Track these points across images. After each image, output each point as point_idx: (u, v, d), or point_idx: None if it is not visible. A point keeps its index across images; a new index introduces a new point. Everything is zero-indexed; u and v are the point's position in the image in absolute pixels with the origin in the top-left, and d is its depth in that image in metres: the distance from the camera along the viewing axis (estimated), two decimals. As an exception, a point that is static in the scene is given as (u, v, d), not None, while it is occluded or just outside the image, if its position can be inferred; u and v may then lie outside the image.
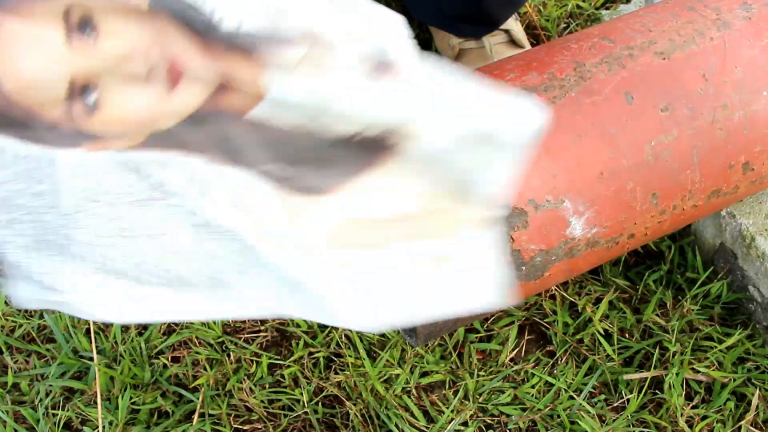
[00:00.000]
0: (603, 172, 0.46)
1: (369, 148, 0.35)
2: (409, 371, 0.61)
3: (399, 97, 0.34)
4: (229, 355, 0.64)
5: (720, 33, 0.49)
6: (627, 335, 0.63)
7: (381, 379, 0.61)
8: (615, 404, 0.59)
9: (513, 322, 0.63)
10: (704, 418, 0.58)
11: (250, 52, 0.34)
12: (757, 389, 0.58)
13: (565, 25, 0.87)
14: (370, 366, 0.61)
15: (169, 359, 0.65)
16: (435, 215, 0.37)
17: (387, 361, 0.61)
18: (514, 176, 0.36)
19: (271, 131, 0.35)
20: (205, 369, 0.64)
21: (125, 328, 0.67)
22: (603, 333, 0.62)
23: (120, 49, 0.35)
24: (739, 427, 0.57)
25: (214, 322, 0.66)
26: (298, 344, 0.64)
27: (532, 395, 0.60)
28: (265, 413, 0.61)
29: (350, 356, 0.62)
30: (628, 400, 0.59)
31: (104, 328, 0.67)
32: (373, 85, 0.34)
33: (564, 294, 0.64)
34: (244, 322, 0.67)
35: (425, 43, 0.83)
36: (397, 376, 0.61)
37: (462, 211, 0.37)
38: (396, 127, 0.35)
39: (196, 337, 0.65)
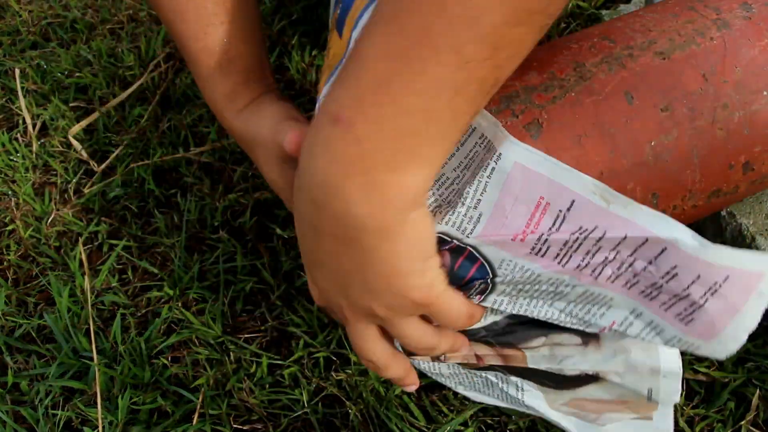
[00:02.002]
0: (603, 172, 0.46)
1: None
2: (409, 371, 0.61)
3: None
4: (229, 355, 0.64)
5: (720, 33, 0.49)
6: (627, 335, 0.63)
7: (381, 379, 0.61)
8: (615, 404, 0.59)
9: (513, 322, 0.63)
10: (704, 418, 0.58)
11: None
12: (757, 389, 0.58)
13: (565, 25, 0.87)
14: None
15: (169, 359, 0.65)
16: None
17: (387, 361, 0.61)
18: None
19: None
20: (205, 369, 0.64)
21: (125, 328, 0.67)
22: (603, 333, 0.62)
23: None
24: (739, 427, 0.57)
25: (214, 322, 0.66)
26: (298, 344, 0.64)
27: (532, 395, 0.60)
28: (264, 413, 0.61)
29: (351, 356, 0.62)
30: (628, 400, 0.59)
31: (104, 328, 0.67)
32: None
33: (564, 294, 0.64)
34: (244, 322, 0.67)
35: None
36: (397, 376, 0.61)
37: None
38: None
39: (196, 337, 0.65)
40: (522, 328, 0.49)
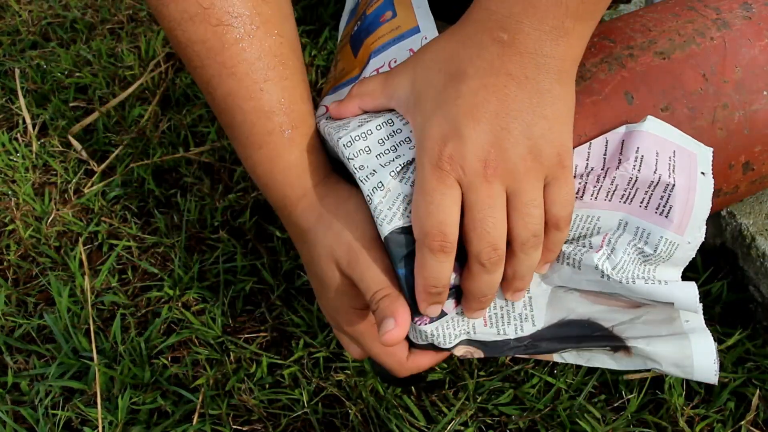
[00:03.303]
0: (603, 172, 0.46)
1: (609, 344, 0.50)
2: (409, 371, 0.61)
3: None
4: (229, 355, 0.64)
5: (720, 33, 0.49)
6: (627, 335, 0.63)
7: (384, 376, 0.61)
8: (615, 404, 0.59)
9: (513, 322, 0.63)
10: (704, 418, 0.58)
11: None
12: (758, 389, 0.58)
13: (565, 25, 0.87)
14: (370, 366, 0.61)
15: (169, 359, 0.65)
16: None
17: (387, 361, 0.61)
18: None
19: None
20: (205, 369, 0.64)
21: (125, 328, 0.67)
22: (603, 333, 0.62)
23: None
24: (739, 427, 0.57)
25: (214, 322, 0.66)
26: (298, 344, 0.64)
27: (532, 395, 0.60)
28: (264, 413, 0.61)
29: (350, 357, 0.62)
30: (628, 400, 0.59)
31: (104, 328, 0.67)
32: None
33: (564, 294, 0.64)
34: (244, 322, 0.67)
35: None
36: (397, 376, 0.61)
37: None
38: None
39: (196, 337, 0.65)
40: (543, 343, 0.50)
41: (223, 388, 0.62)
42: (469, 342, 0.49)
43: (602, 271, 0.45)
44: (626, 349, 0.50)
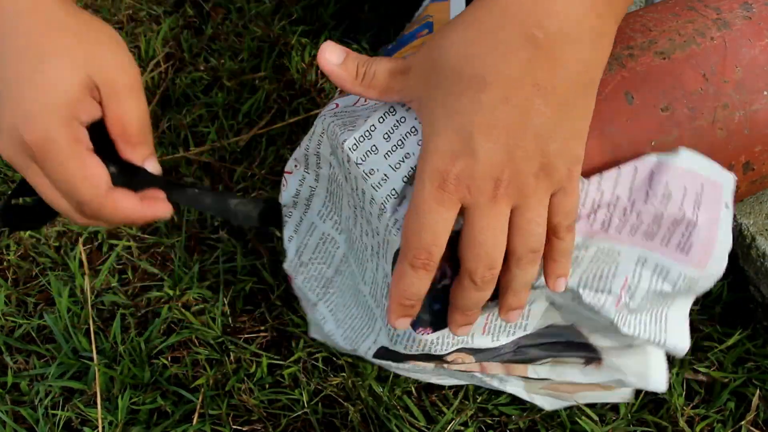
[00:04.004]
0: (603, 172, 0.46)
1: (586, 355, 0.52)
2: (409, 371, 0.61)
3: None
4: (229, 355, 0.64)
5: (720, 33, 0.49)
6: (627, 335, 0.63)
7: (380, 379, 0.61)
8: (615, 404, 0.59)
9: (513, 322, 0.63)
10: (704, 418, 0.58)
11: None
12: (758, 389, 0.58)
13: (565, 25, 0.87)
14: (369, 366, 0.61)
15: (169, 359, 0.65)
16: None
17: (387, 361, 0.61)
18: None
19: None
20: (204, 369, 0.64)
21: (125, 328, 0.67)
22: (603, 333, 0.62)
23: None
24: (739, 427, 0.57)
25: (214, 322, 0.66)
26: (297, 344, 0.64)
27: (532, 395, 0.60)
28: (264, 413, 0.61)
29: (351, 357, 0.62)
30: (628, 400, 0.59)
31: (104, 328, 0.67)
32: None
33: (564, 294, 0.64)
34: (244, 322, 0.67)
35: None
36: (397, 376, 0.61)
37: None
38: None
39: (196, 338, 0.65)
40: (532, 349, 0.51)
41: (223, 388, 0.62)
42: (462, 349, 0.49)
43: (616, 324, 0.46)
44: (598, 361, 0.52)
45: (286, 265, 0.56)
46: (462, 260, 0.39)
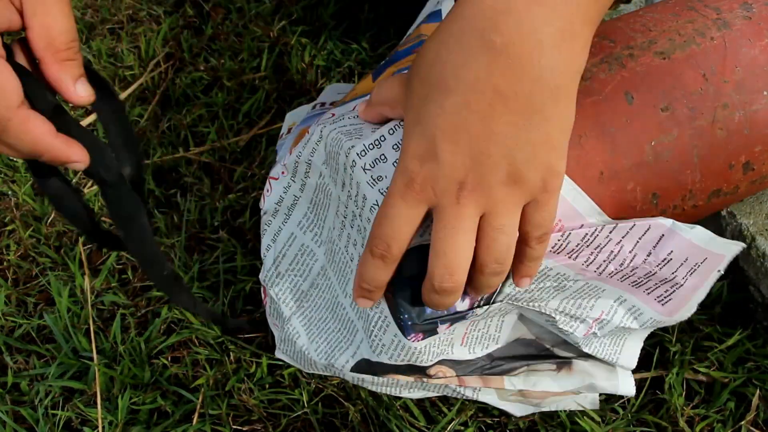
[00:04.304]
0: (603, 172, 0.46)
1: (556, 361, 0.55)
2: (409, 371, 0.61)
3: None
4: (229, 355, 0.64)
5: (720, 33, 0.49)
6: (627, 335, 0.63)
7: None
8: (615, 404, 0.59)
9: (513, 322, 0.63)
10: (704, 418, 0.58)
11: None
12: (758, 389, 0.58)
13: (565, 25, 0.86)
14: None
15: (169, 359, 0.65)
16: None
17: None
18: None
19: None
20: (205, 369, 0.64)
21: (125, 328, 0.67)
22: (603, 333, 0.62)
23: None
24: (739, 427, 0.57)
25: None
26: (297, 344, 0.64)
27: (532, 395, 0.60)
28: (264, 413, 0.61)
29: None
30: (628, 400, 0.59)
31: (104, 328, 0.67)
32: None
33: (564, 294, 0.64)
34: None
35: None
36: (397, 376, 0.61)
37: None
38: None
39: (196, 337, 0.65)
40: (508, 361, 0.53)
41: (223, 388, 0.62)
42: (443, 362, 0.50)
43: (579, 346, 0.50)
44: (569, 366, 0.54)
45: (261, 276, 0.56)
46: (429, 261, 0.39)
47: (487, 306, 0.46)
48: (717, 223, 0.61)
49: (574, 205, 0.44)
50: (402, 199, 0.38)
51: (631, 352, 0.53)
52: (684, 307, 0.48)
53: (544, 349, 0.54)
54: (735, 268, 0.61)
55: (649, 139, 0.46)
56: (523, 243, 0.40)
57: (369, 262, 0.41)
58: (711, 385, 0.60)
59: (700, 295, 0.47)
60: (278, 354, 0.58)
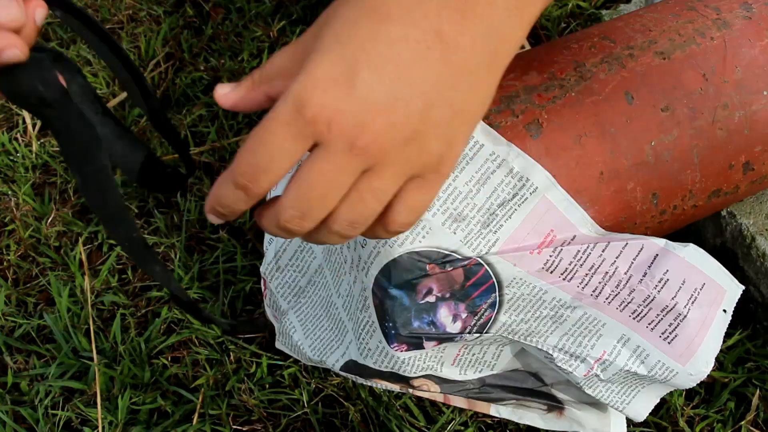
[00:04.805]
0: (603, 172, 0.46)
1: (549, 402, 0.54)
2: (409, 371, 0.61)
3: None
4: (229, 355, 0.64)
5: (720, 33, 0.49)
6: (627, 335, 0.63)
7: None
8: (615, 404, 0.59)
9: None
10: (704, 418, 0.58)
11: None
12: (758, 389, 0.58)
13: (565, 25, 0.87)
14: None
15: (169, 359, 0.65)
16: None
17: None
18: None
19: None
20: (205, 369, 0.64)
21: (125, 328, 0.67)
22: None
23: None
24: (739, 427, 0.57)
25: (214, 322, 0.66)
26: (298, 344, 0.64)
27: (532, 395, 0.60)
28: (264, 413, 0.61)
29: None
30: (628, 400, 0.59)
31: (104, 328, 0.67)
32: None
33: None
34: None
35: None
36: (397, 376, 0.61)
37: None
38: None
39: (196, 337, 0.65)
40: (498, 390, 0.53)
41: (223, 388, 0.62)
42: (430, 377, 0.50)
43: (581, 387, 0.48)
44: (560, 410, 0.54)
45: (262, 269, 0.56)
46: (285, 190, 0.34)
47: (479, 334, 0.46)
48: (717, 223, 0.61)
49: (566, 215, 0.44)
50: (287, 126, 0.31)
51: (642, 404, 0.50)
52: (694, 354, 0.45)
53: (542, 385, 0.53)
54: (735, 268, 0.61)
55: (649, 139, 0.46)
56: (383, 223, 0.35)
57: (230, 189, 0.34)
58: (711, 385, 0.60)
59: (710, 342, 0.45)
60: (278, 345, 0.59)
